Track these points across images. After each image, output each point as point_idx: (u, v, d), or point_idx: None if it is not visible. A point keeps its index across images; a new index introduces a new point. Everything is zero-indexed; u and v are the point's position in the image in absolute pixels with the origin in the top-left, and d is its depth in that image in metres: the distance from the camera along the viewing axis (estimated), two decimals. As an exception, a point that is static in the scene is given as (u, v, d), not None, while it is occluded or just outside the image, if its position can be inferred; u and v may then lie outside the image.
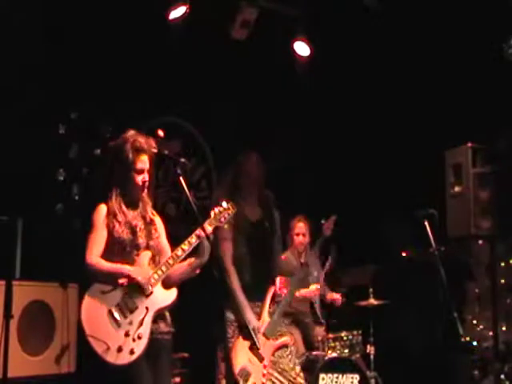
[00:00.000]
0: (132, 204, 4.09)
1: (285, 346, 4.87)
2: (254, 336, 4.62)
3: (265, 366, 4.69)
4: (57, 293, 5.59)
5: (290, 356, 4.86)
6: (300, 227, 6.63)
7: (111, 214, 4.00)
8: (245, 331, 4.66)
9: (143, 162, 4.03)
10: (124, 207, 4.04)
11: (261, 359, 4.71)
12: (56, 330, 5.54)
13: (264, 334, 4.79)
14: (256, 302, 4.84)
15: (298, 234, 6.62)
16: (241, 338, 4.70)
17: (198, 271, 4.14)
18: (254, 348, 4.69)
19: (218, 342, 4.77)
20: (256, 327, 4.72)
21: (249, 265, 4.85)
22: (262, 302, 4.88)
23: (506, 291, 6.38)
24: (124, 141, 4.04)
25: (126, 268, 3.91)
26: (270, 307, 4.89)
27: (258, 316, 4.81)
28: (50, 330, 5.53)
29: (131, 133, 4.09)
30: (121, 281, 3.87)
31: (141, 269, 3.94)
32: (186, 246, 4.01)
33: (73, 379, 5.59)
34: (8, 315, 4.83)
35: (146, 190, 4.11)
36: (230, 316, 4.73)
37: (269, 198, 5.04)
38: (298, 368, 4.88)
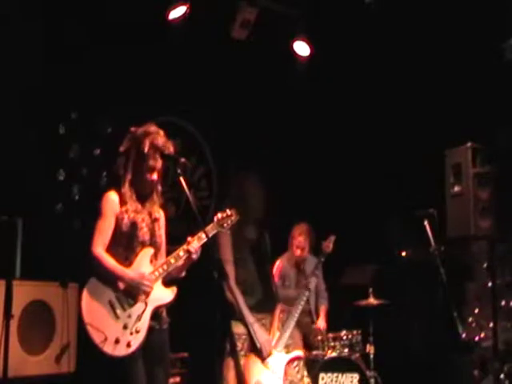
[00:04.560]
0: (141, 196, 4.12)
1: (297, 359, 4.89)
2: (263, 351, 4.67)
3: (279, 379, 4.73)
4: (57, 293, 5.58)
5: (297, 368, 4.89)
6: (300, 241, 6.59)
7: (122, 203, 4.02)
8: (255, 345, 4.69)
9: (157, 160, 4.06)
10: (134, 197, 4.07)
11: (274, 372, 4.73)
12: (56, 329, 5.53)
13: (275, 348, 4.80)
14: (264, 314, 4.86)
15: (297, 247, 6.60)
16: (253, 353, 4.71)
17: (183, 274, 4.16)
18: (266, 361, 4.72)
19: (224, 354, 4.75)
20: (267, 342, 4.73)
21: (257, 282, 4.88)
22: (271, 317, 4.90)
23: (505, 291, 6.38)
24: (145, 134, 4.07)
25: (128, 274, 3.94)
26: (278, 322, 4.91)
27: (266, 328, 4.83)
28: (49, 329, 5.52)
29: (154, 128, 4.12)
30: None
31: (143, 275, 3.96)
32: (187, 247, 4.04)
33: (73, 379, 5.59)
34: (8, 315, 4.83)
35: (156, 190, 4.15)
36: (238, 330, 4.73)
37: (264, 220, 5.04)
38: (306, 380, 4.90)
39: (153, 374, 3.99)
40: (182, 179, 4.03)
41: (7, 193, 5.50)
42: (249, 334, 4.69)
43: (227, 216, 4.23)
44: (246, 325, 4.70)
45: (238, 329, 4.73)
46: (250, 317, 4.72)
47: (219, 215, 4.22)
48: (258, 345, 4.69)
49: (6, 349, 4.80)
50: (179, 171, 4.04)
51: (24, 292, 5.31)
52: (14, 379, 5.03)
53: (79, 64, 6.16)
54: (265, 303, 4.90)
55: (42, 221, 5.80)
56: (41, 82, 5.93)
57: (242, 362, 4.69)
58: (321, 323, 6.63)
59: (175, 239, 4.27)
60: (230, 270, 4.78)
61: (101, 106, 6.30)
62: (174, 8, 6.45)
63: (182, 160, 4.09)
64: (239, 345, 4.72)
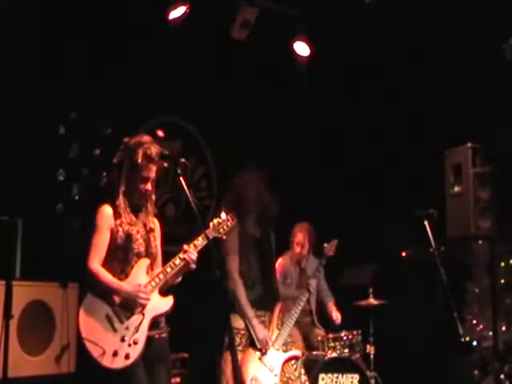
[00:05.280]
0: (135, 208, 4.09)
1: (295, 358, 4.90)
2: (262, 346, 4.68)
3: (276, 376, 4.73)
4: (57, 293, 5.59)
5: (295, 366, 4.90)
6: (299, 238, 6.61)
7: (116, 216, 4.01)
8: (253, 341, 4.70)
9: (150, 171, 4.04)
10: (128, 208, 4.05)
11: (271, 369, 4.74)
12: (56, 330, 5.54)
13: (273, 345, 4.81)
14: (264, 311, 4.87)
15: (297, 244, 6.63)
16: (251, 349, 4.72)
17: (178, 281, 4.14)
18: (264, 358, 4.72)
19: (223, 349, 4.75)
20: (265, 337, 4.74)
21: (258, 278, 4.88)
22: (271, 315, 4.91)
23: (505, 291, 6.38)
24: (138, 144, 4.03)
25: (124, 287, 3.92)
26: (277, 319, 4.92)
27: (265, 325, 4.84)
28: (49, 329, 5.52)
29: (147, 138, 4.08)
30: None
31: (138, 287, 3.94)
32: (183, 256, 4.02)
33: (73, 379, 5.59)
34: (8, 315, 4.83)
35: (150, 200, 4.12)
36: (237, 324, 4.74)
37: (268, 220, 5.05)
38: (303, 378, 4.91)
39: (154, 371, 3.98)
40: (181, 179, 4.02)
41: (7, 193, 5.50)
42: (247, 329, 4.70)
43: (223, 221, 4.21)
44: (244, 319, 4.71)
45: (237, 323, 4.74)
46: (249, 311, 4.73)
47: (215, 221, 4.20)
48: (256, 340, 4.69)
49: (6, 349, 4.81)
50: (179, 171, 4.03)
51: (24, 292, 5.31)
52: (13, 379, 5.03)
53: (80, 63, 6.16)
54: (265, 300, 4.91)
55: (42, 221, 5.80)
56: (41, 82, 5.93)
57: (240, 356, 4.70)
58: (336, 314, 6.62)
59: (175, 239, 4.26)
60: (234, 261, 4.80)
61: (101, 106, 6.30)
62: (174, 8, 6.45)
63: (182, 160, 4.08)
64: (237, 339, 4.73)
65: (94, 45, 6.28)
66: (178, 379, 5.98)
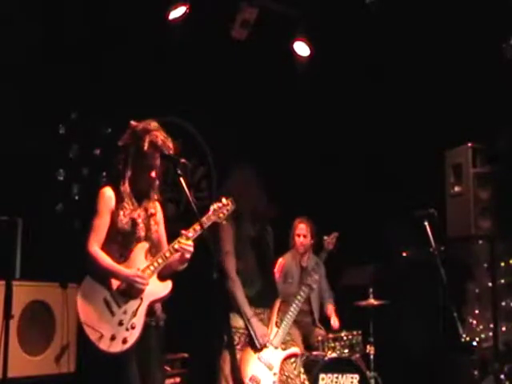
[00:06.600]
0: (138, 193, 4.09)
1: (294, 356, 4.90)
2: (260, 344, 4.68)
3: (275, 374, 4.73)
4: (57, 293, 5.59)
5: (294, 364, 4.90)
6: (301, 228, 6.63)
7: (118, 199, 4.00)
8: (252, 340, 4.70)
9: (156, 158, 4.03)
10: (132, 194, 4.04)
11: (270, 368, 4.74)
12: (56, 329, 5.54)
13: (272, 343, 4.81)
14: (263, 309, 4.87)
15: (298, 235, 6.63)
16: (250, 348, 4.72)
17: (183, 267, 4.11)
18: (262, 357, 4.72)
19: (222, 348, 4.75)
20: (264, 335, 4.74)
21: (256, 275, 4.89)
22: (270, 312, 4.90)
23: (506, 291, 6.38)
24: (145, 131, 4.03)
25: (123, 271, 3.92)
26: (276, 317, 4.92)
27: (264, 323, 4.84)
28: (50, 330, 5.52)
29: (154, 125, 4.08)
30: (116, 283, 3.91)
31: (137, 271, 3.93)
32: (183, 240, 4.01)
33: (73, 379, 5.59)
34: (8, 315, 4.83)
35: (153, 186, 4.12)
36: (236, 323, 4.73)
37: (264, 214, 5.05)
38: (302, 376, 4.92)
39: (150, 373, 3.98)
40: (182, 180, 4.01)
41: (7, 193, 5.50)
42: (246, 328, 4.71)
43: (223, 205, 4.19)
44: (244, 318, 4.71)
45: (235, 323, 4.75)
46: (247, 310, 4.74)
47: (215, 205, 4.18)
48: (255, 338, 4.69)
49: (6, 349, 4.80)
50: (179, 172, 4.03)
51: (24, 292, 5.31)
52: (13, 379, 5.03)
53: (79, 64, 6.16)
54: (264, 297, 4.91)
55: (42, 221, 5.80)
56: (41, 82, 5.93)
57: (239, 356, 4.70)
58: (334, 320, 6.62)
59: (175, 239, 4.26)
60: (231, 261, 4.81)
61: (101, 106, 6.30)
62: (174, 8, 6.45)
63: (182, 160, 4.08)
64: (236, 339, 4.74)
65: (94, 45, 6.28)
66: (177, 379, 5.98)
